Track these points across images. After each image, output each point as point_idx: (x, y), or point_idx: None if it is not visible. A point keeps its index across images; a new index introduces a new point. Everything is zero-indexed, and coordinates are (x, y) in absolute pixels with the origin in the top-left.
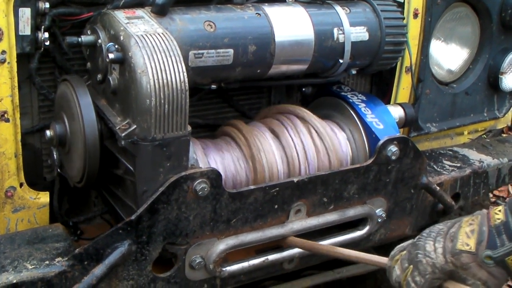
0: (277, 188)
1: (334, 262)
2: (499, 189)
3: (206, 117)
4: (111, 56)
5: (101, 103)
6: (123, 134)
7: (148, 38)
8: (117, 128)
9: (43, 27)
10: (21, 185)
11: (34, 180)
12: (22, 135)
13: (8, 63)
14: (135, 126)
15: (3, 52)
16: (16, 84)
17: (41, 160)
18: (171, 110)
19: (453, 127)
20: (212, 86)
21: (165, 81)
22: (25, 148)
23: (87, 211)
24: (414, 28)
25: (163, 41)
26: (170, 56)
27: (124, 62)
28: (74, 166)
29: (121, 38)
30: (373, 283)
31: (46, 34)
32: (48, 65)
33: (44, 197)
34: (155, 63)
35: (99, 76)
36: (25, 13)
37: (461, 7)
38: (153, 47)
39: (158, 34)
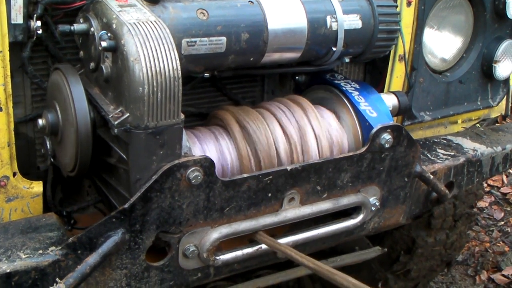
0: (271, 176)
1: (329, 251)
2: (493, 178)
3: (199, 106)
4: (103, 44)
5: (94, 92)
6: (116, 122)
7: (141, 26)
8: (110, 116)
9: (35, 15)
10: (14, 174)
11: (27, 169)
12: (15, 124)
13: (0, 52)
14: (128, 114)
15: None
16: (9, 73)
17: (34, 150)
18: (164, 98)
19: (447, 116)
20: (205, 74)
21: (158, 69)
22: (18, 138)
23: (80, 201)
24: (407, 16)
25: (156, 29)
26: (163, 44)
27: (116, 50)
28: (67, 155)
29: (114, 26)
30: (368, 272)
31: (39, 23)
32: (41, 54)
33: (37, 187)
34: (147, 51)
35: (92, 65)
36: (17, 1)
37: None
38: (146, 35)
39: (151, 22)
